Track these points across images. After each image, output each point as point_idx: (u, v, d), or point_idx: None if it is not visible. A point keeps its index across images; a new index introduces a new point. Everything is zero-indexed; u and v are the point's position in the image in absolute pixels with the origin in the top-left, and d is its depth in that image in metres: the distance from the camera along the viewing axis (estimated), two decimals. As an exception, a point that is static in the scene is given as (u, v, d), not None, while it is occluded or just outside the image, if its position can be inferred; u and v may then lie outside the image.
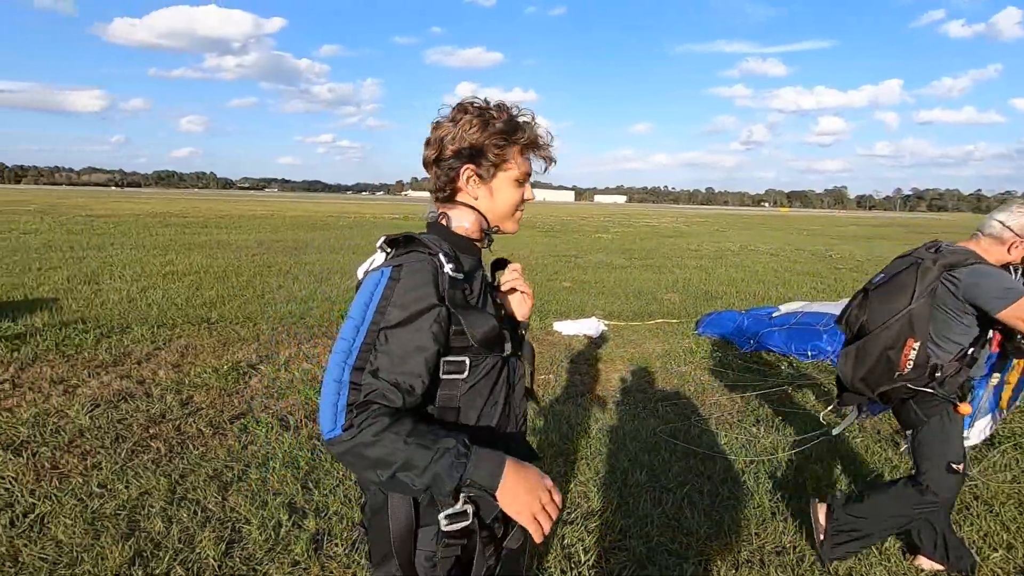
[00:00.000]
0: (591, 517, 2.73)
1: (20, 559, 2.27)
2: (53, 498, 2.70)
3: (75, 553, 2.30)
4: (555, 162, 1.24)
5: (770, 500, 2.93)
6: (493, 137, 1.14)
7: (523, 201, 1.23)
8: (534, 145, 1.21)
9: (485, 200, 1.19)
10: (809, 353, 5.34)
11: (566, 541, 2.54)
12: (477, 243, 1.22)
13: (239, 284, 8.62)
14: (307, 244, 15.13)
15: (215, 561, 2.30)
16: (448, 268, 1.06)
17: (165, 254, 11.75)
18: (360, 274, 1.16)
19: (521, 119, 1.18)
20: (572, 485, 3.01)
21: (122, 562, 2.26)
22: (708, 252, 16.78)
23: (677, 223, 36.19)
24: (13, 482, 2.84)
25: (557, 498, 1.04)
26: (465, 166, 1.15)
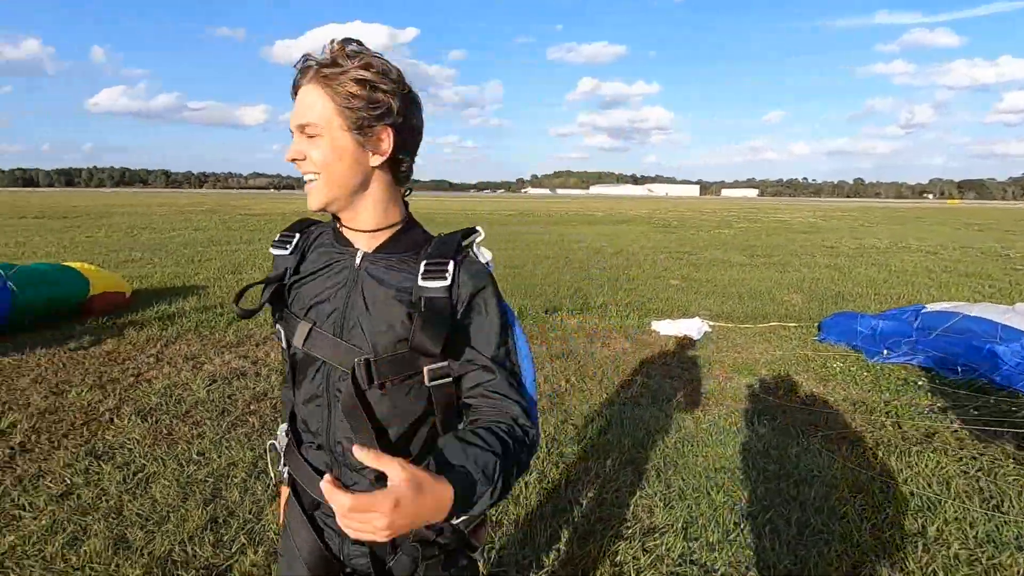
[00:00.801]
0: (651, 535, 2.49)
1: (123, 512, 2.59)
2: (160, 460, 3.06)
3: (164, 512, 2.58)
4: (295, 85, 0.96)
5: (873, 537, 2.47)
6: None
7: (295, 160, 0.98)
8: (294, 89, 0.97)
9: None
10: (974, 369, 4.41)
11: (619, 558, 2.34)
12: None
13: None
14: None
15: (274, 534, 2.44)
16: None
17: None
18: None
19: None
20: (636, 498, 2.79)
21: (199, 525, 2.49)
22: (846, 249, 14.94)
23: (813, 217, 32.77)
24: (136, 444, 3.27)
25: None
26: None
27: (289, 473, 1.10)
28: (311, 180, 0.94)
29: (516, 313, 4.33)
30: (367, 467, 0.89)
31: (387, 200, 1.00)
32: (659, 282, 9.39)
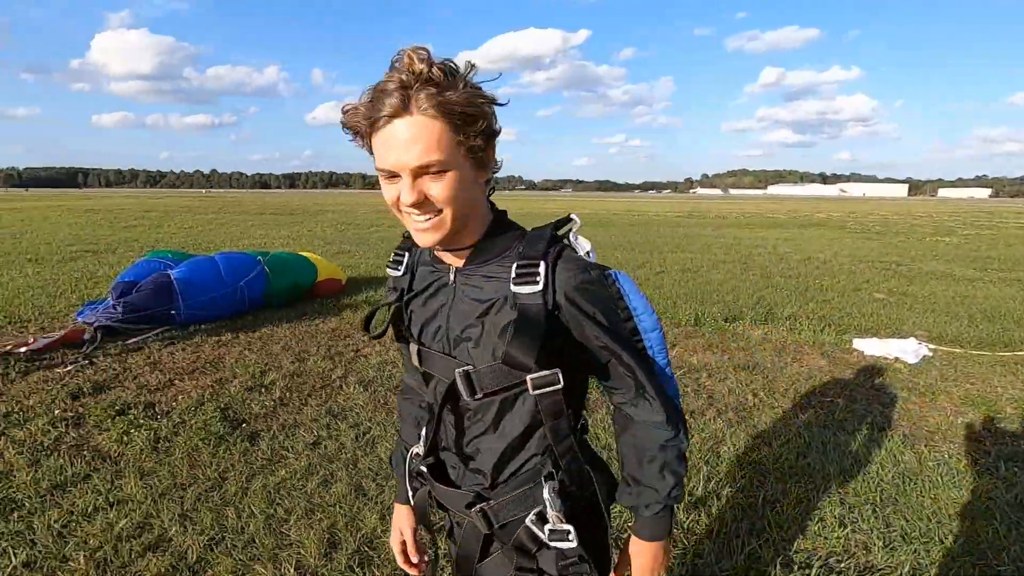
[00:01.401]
0: (868, 573, 2.25)
1: (358, 464, 3.07)
2: (381, 425, 3.56)
3: (389, 471, 3.01)
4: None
5: None
6: (356, 117, 0.86)
7: (399, 199, 0.86)
8: (374, 124, 0.82)
9: None
10: None
11: (828, 592, 2.16)
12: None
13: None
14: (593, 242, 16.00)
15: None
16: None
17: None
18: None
19: (380, 86, 0.81)
20: (847, 531, 2.53)
21: (345, 491, 2.84)
22: None
23: (1078, 224, 26.04)
24: (362, 408, 3.84)
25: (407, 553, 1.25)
26: None
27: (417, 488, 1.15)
28: (428, 219, 0.85)
29: (694, 319, 4.21)
30: (484, 469, 1.02)
31: (486, 212, 0.96)
32: (859, 295, 8.29)
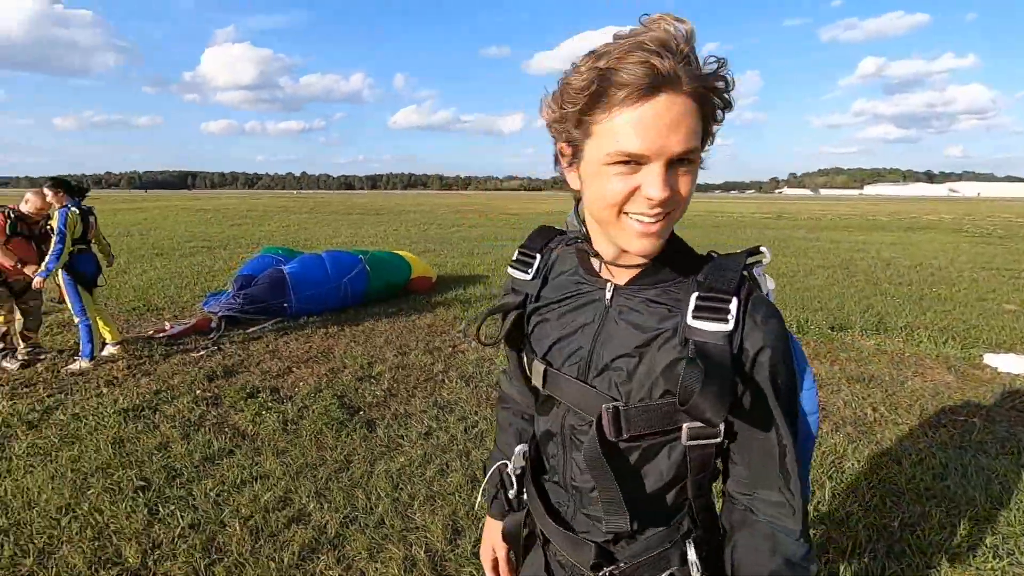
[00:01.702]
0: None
1: (470, 456, 3.18)
2: (486, 419, 3.66)
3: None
4: (720, 93, 0.70)
5: None
6: (567, 92, 0.72)
7: (632, 194, 0.70)
8: (625, 83, 0.66)
9: (584, 188, 0.78)
10: None
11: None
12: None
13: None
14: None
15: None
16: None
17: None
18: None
19: (613, 48, 0.67)
20: (1004, 563, 2.31)
21: (462, 481, 2.90)
22: None
23: None
24: (465, 402, 3.97)
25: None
26: (559, 142, 0.79)
27: (520, 502, 1.05)
28: (656, 221, 0.71)
29: (796, 326, 3.96)
30: (603, 516, 0.85)
31: None
32: (985, 305, 7.52)
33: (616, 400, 0.79)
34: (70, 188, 4.74)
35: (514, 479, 1.05)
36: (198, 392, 4.07)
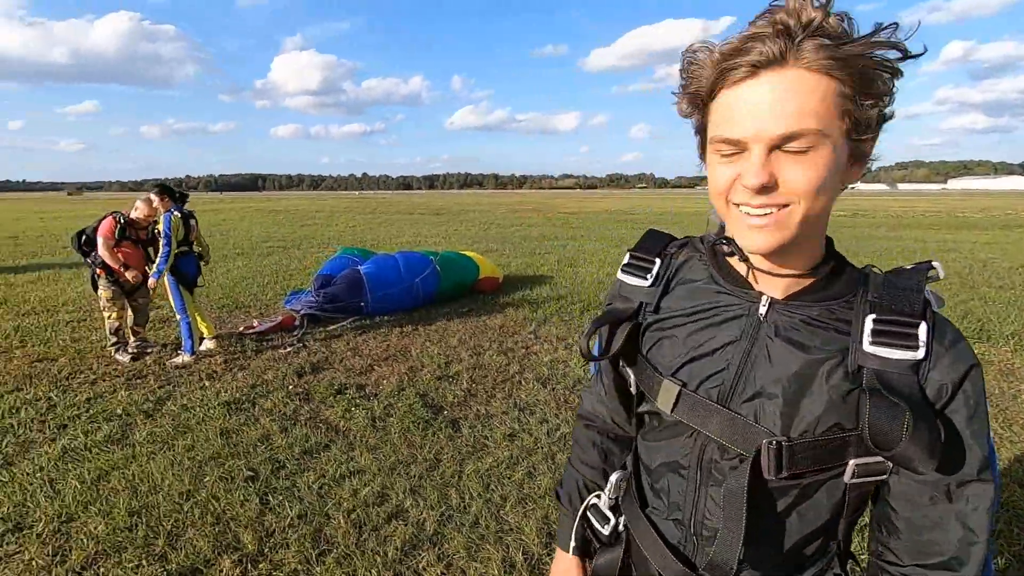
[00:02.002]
0: None
1: (555, 459, 3.20)
2: (568, 423, 3.67)
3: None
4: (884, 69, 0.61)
5: None
6: (686, 80, 0.69)
7: (735, 182, 0.66)
8: (725, 76, 0.64)
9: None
10: None
11: None
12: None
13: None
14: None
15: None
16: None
17: (619, 247, 13.82)
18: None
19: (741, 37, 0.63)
20: None
21: (550, 485, 2.89)
22: None
23: None
24: (544, 404, 3.99)
25: None
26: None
27: (623, 533, 0.91)
28: (767, 213, 0.64)
29: None
30: (713, 553, 0.74)
31: (825, 230, 0.72)
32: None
33: (773, 432, 0.70)
34: (173, 194, 5.11)
35: (609, 511, 0.93)
36: (290, 387, 4.29)
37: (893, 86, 0.62)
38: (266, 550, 2.40)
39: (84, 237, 4.97)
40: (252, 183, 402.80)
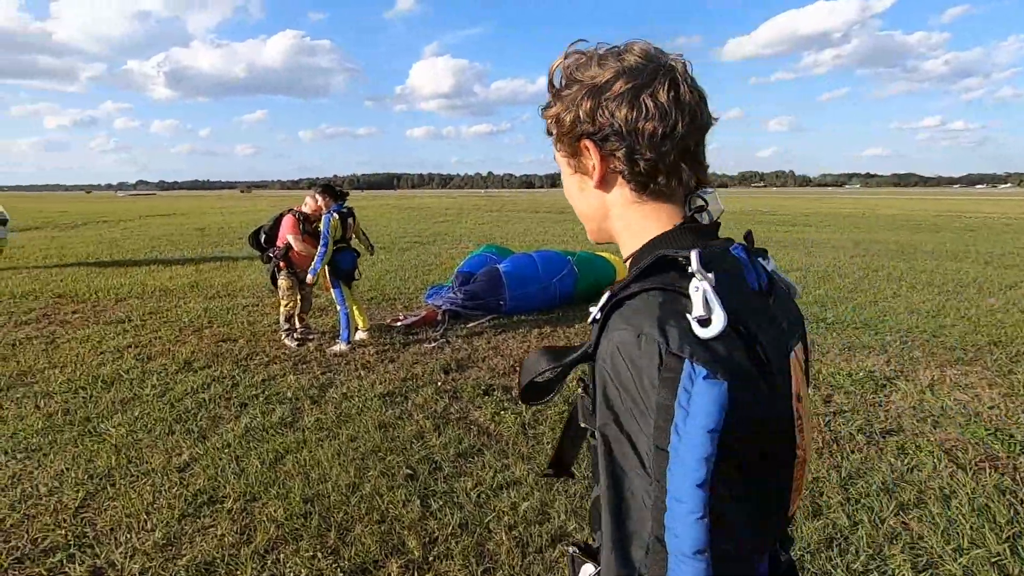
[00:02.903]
0: None
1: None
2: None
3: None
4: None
5: None
6: None
7: None
8: None
9: None
10: None
11: None
12: None
13: (844, 286, 8.26)
14: (915, 248, 13.06)
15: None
16: None
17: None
18: None
19: None
20: None
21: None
22: None
23: None
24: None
25: None
26: None
27: None
28: None
29: None
30: None
31: (629, 222, 0.74)
32: None
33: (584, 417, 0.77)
34: (334, 193, 5.41)
35: None
36: (438, 383, 4.33)
37: (573, 107, 0.71)
38: (431, 558, 2.34)
39: (263, 235, 5.43)
40: (388, 182, 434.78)
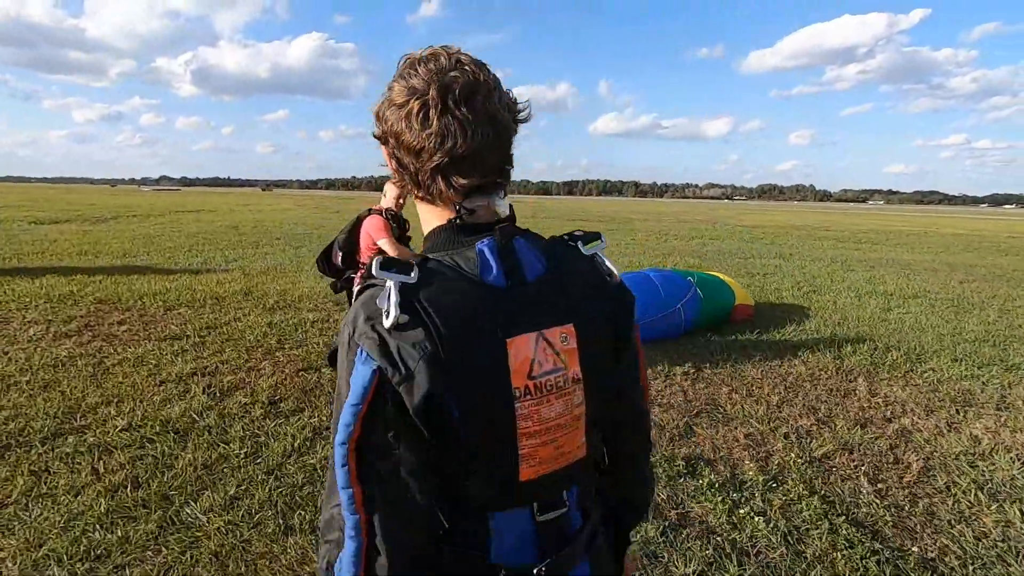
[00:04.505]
0: None
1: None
2: None
3: None
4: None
5: None
6: None
7: None
8: None
9: None
10: None
11: None
12: None
13: (991, 319, 7.10)
14: (1018, 272, 11.81)
15: None
16: None
17: (848, 271, 11.46)
18: None
19: None
20: None
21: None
22: None
23: None
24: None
25: None
26: None
27: None
28: None
29: None
30: None
31: (426, 215, 0.85)
32: None
33: None
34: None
35: None
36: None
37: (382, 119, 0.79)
38: None
39: (341, 253, 4.05)
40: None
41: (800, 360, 5.11)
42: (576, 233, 0.87)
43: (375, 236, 3.81)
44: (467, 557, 0.77)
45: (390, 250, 3.92)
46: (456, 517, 0.78)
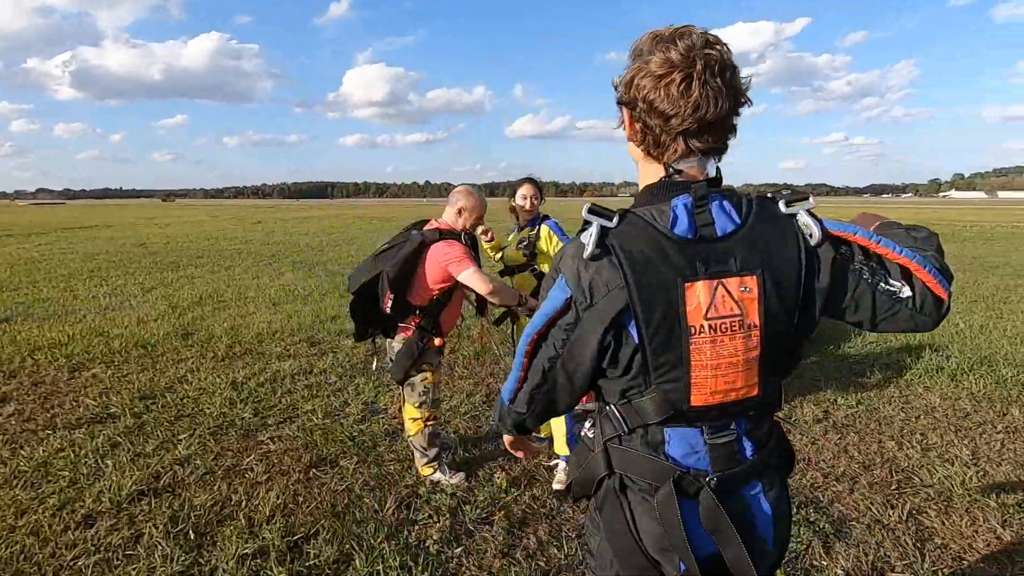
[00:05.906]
0: None
1: None
2: None
3: None
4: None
5: None
6: None
7: None
8: None
9: None
10: None
11: None
12: None
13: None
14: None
15: None
16: None
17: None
18: None
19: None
20: None
21: None
22: None
23: None
24: None
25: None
26: None
27: None
28: None
29: None
30: None
31: (645, 172, 0.99)
32: None
33: None
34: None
35: None
36: None
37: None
38: None
39: (389, 293, 2.56)
40: (322, 191, 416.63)
41: (843, 362, 4.23)
42: (783, 192, 0.93)
43: (455, 270, 2.54)
44: (645, 455, 0.96)
45: (481, 288, 2.57)
46: (635, 424, 0.95)
